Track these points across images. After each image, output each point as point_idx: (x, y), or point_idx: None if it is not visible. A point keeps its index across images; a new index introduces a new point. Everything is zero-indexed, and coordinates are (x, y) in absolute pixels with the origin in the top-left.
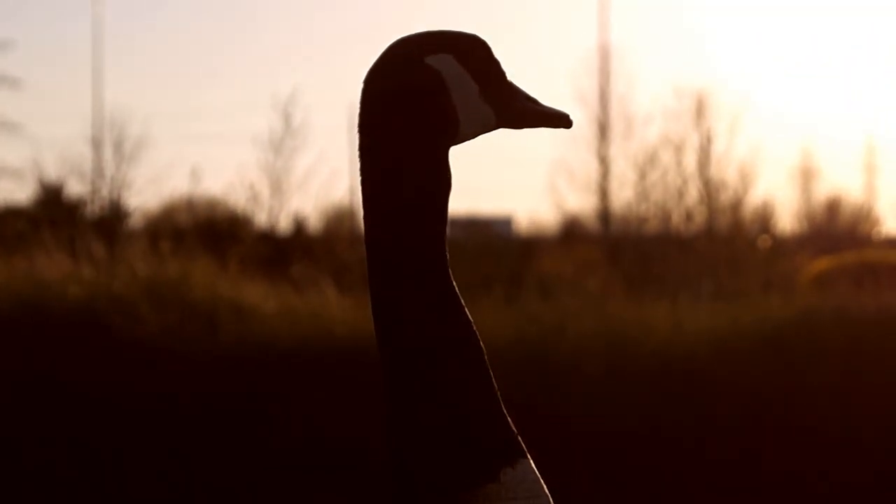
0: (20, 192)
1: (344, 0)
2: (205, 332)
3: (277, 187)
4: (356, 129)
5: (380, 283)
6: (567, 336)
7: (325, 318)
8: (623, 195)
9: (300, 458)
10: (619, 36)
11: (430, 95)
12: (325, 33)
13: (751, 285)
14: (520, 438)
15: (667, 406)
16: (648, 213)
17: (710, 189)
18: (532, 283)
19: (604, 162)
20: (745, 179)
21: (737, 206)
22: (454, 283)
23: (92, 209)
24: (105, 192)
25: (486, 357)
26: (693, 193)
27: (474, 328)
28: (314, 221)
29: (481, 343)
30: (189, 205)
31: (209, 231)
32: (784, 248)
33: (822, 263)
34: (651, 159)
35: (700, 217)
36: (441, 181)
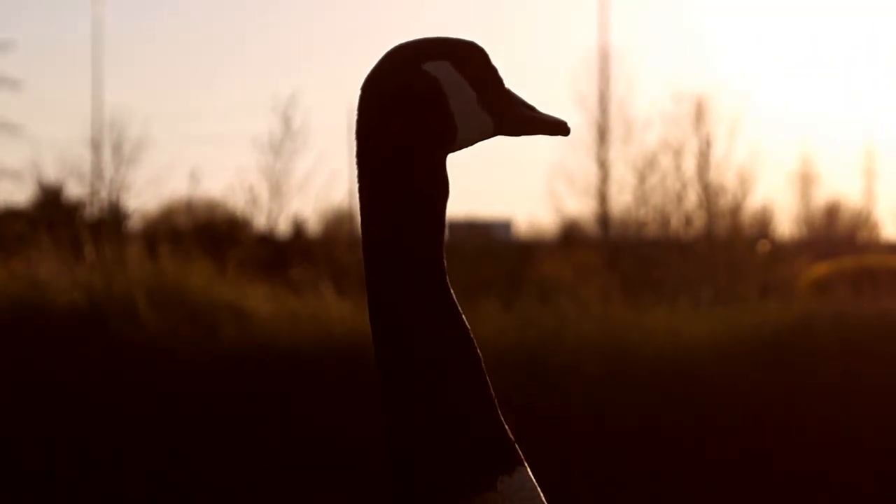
0: (19, 194)
1: (344, 2)
2: (204, 334)
3: (277, 190)
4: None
5: (377, 286)
6: (566, 340)
7: (324, 321)
8: (622, 199)
9: (300, 458)
10: (619, 38)
11: (428, 102)
12: (325, 35)
13: (750, 290)
14: (517, 446)
15: (666, 410)
16: (647, 217)
17: (709, 193)
18: (531, 286)
19: (603, 166)
20: (745, 184)
21: (736, 210)
22: (452, 291)
23: (91, 211)
24: (104, 193)
25: (483, 363)
26: (692, 198)
27: (472, 335)
28: (313, 224)
29: (478, 350)
30: (188, 207)
31: (208, 233)
32: (783, 252)
33: (821, 268)
34: (650, 163)
35: (699, 221)
36: (438, 188)
